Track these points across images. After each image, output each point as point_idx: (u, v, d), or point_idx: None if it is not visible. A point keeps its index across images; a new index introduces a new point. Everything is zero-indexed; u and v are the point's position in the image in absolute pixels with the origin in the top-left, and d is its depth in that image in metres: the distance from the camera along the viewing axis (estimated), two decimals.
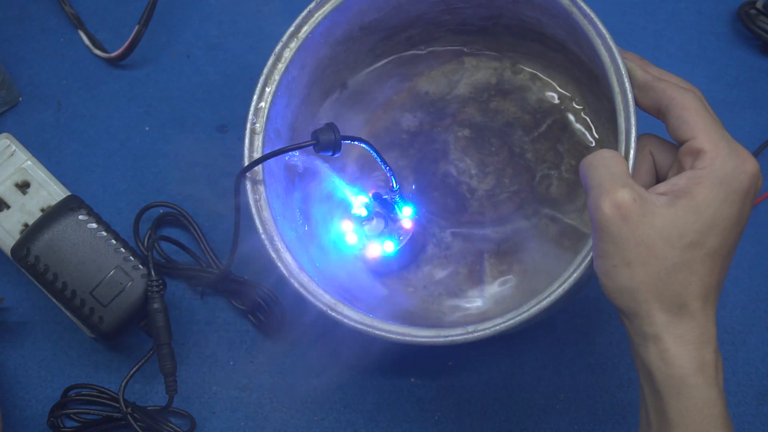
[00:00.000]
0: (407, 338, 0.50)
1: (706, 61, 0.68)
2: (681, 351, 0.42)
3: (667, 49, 0.69)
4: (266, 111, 0.55)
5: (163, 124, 0.68)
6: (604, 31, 0.48)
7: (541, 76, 0.62)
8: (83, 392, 0.60)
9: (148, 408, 0.59)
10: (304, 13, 0.55)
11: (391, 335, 0.50)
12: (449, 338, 0.49)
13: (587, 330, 0.62)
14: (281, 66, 0.55)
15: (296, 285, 0.52)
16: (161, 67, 0.69)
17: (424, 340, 0.49)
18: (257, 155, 0.54)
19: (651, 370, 0.42)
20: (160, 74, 0.69)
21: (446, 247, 0.61)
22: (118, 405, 0.59)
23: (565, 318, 0.62)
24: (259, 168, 0.54)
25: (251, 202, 0.54)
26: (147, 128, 0.68)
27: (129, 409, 0.58)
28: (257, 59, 0.69)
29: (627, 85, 0.47)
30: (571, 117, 0.61)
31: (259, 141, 0.55)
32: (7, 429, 0.60)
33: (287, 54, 0.55)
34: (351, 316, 0.51)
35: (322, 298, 0.52)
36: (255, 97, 0.55)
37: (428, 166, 0.62)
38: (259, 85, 0.55)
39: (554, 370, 0.61)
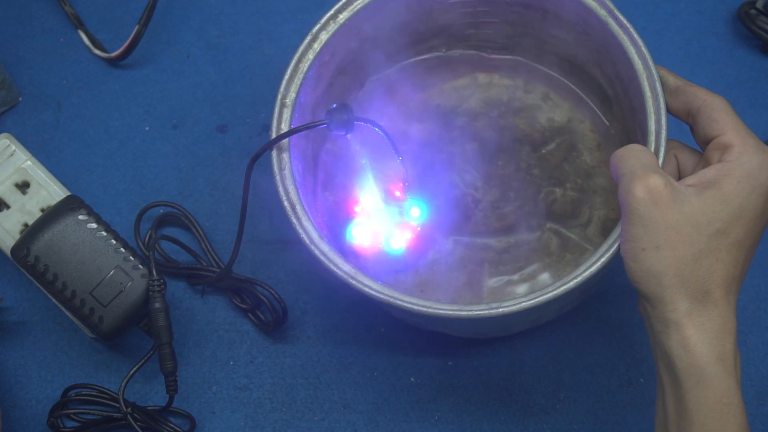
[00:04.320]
0: (429, 310, 0.49)
1: (706, 61, 0.68)
2: (702, 339, 0.43)
3: (667, 49, 0.69)
4: (297, 87, 0.55)
5: (163, 124, 0.68)
6: (638, 39, 0.51)
7: (553, 96, 0.63)
8: (83, 392, 0.60)
9: (148, 408, 0.59)
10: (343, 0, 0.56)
11: (412, 306, 0.49)
12: (473, 313, 0.48)
13: (587, 330, 0.62)
14: (316, 47, 0.55)
15: (317, 252, 0.51)
16: (161, 67, 0.69)
17: (447, 312, 0.49)
18: (285, 128, 0.54)
19: (671, 358, 0.43)
20: (160, 74, 0.69)
21: (447, 253, 0.61)
22: (118, 405, 0.59)
23: (565, 318, 0.62)
24: (285, 140, 0.54)
25: (275, 170, 0.53)
26: (147, 128, 0.68)
27: (129, 409, 0.58)
28: (257, 59, 0.70)
29: (659, 89, 0.50)
30: (580, 137, 0.62)
31: (287, 114, 0.55)
32: (7, 429, 0.60)
33: (323, 36, 0.56)
34: (372, 285, 0.50)
35: (342, 267, 0.51)
36: (289, 71, 0.55)
37: (434, 175, 0.62)
38: (294, 60, 0.55)
39: (554, 370, 0.61)
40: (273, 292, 0.61)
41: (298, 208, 0.53)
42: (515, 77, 0.63)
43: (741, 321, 0.61)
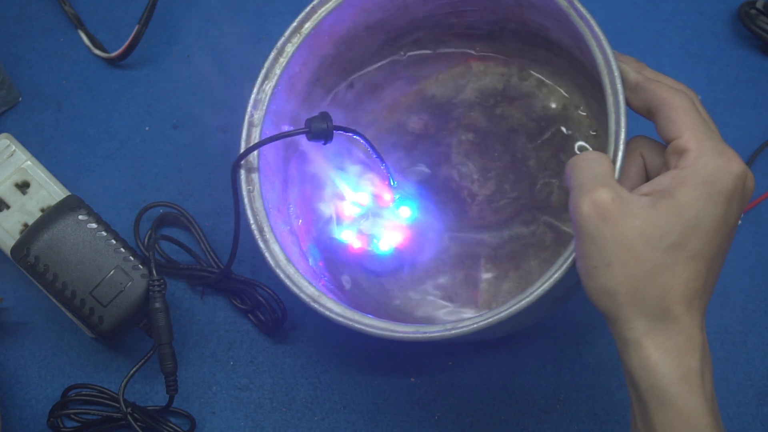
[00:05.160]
0: (386, 333, 0.49)
1: (706, 61, 0.68)
2: (663, 358, 0.40)
3: (667, 49, 0.69)
4: (265, 104, 0.55)
5: (163, 124, 0.68)
6: (599, 32, 0.48)
7: (548, 83, 0.62)
8: (83, 392, 0.60)
9: (148, 408, 0.59)
10: (307, 9, 0.55)
11: (370, 329, 0.50)
12: (427, 335, 0.49)
13: (587, 330, 0.62)
14: (283, 60, 0.55)
15: (281, 275, 0.52)
16: (161, 67, 0.69)
17: (403, 335, 0.49)
18: None
19: (634, 378, 0.41)
20: (160, 74, 0.69)
21: (443, 250, 0.61)
22: (118, 405, 0.59)
23: (565, 318, 0.62)
24: (253, 158, 0.54)
25: (244, 192, 0.54)
26: (147, 128, 0.68)
27: (129, 409, 0.58)
28: (257, 59, 0.69)
29: (619, 86, 0.46)
30: (576, 125, 0.61)
31: (256, 133, 0.55)
32: (7, 429, 0.60)
33: (289, 49, 0.55)
34: (333, 308, 0.51)
35: (306, 290, 0.52)
36: (255, 90, 0.55)
37: (430, 169, 0.62)
38: (260, 78, 0.55)
39: (554, 370, 0.61)
40: (272, 293, 0.61)
41: (266, 229, 0.53)
42: (509, 64, 0.62)
43: (741, 321, 0.62)
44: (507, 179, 0.61)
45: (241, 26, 0.71)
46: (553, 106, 0.61)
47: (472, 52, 0.63)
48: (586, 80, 0.59)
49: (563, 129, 0.61)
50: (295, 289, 0.52)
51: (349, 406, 0.61)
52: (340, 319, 0.51)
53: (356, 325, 0.50)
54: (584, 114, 0.61)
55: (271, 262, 0.53)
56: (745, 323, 0.62)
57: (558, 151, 0.61)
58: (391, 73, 0.63)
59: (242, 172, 0.54)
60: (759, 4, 0.67)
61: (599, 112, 0.60)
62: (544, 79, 0.62)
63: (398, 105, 0.64)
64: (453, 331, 0.48)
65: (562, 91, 0.61)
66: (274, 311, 0.60)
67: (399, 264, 0.61)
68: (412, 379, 0.61)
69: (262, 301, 0.61)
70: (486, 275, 0.60)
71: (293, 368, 0.62)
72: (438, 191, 0.61)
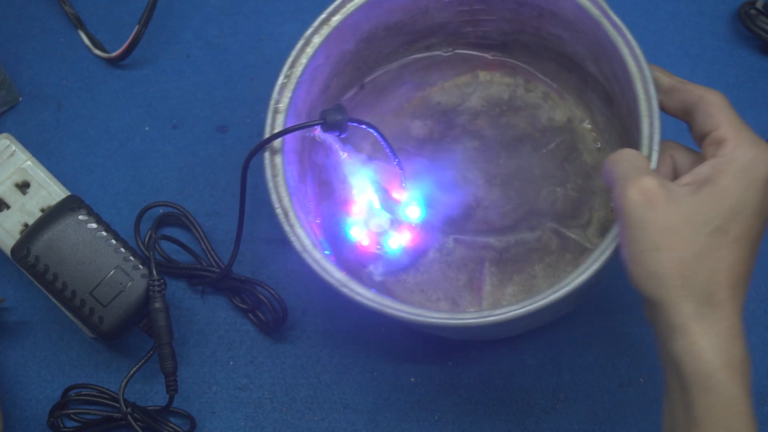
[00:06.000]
0: (420, 318, 0.49)
1: (706, 61, 0.68)
2: (709, 344, 0.42)
3: (667, 49, 0.69)
4: (290, 92, 0.55)
5: (163, 124, 0.68)
6: (632, 40, 0.50)
7: (554, 95, 0.62)
8: (83, 392, 0.60)
9: (148, 408, 0.59)
10: (337, 2, 0.56)
11: (403, 314, 0.49)
12: (463, 321, 0.48)
13: (587, 330, 0.62)
14: (309, 50, 0.55)
15: (309, 260, 0.51)
16: (161, 67, 0.69)
17: (437, 320, 0.48)
18: None
19: (679, 364, 0.42)
20: (160, 74, 0.69)
21: (448, 252, 0.61)
22: (118, 405, 0.59)
23: (565, 318, 0.62)
24: (278, 143, 0.54)
25: (268, 176, 0.53)
26: (147, 128, 0.68)
27: (129, 409, 0.58)
28: (257, 59, 0.70)
29: (652, 91, 0.49)
30: (580, 138, 0.61)
31: (281, 119, 0.55)
32: (7, 429, 0.60)
33: (317, 39, 0.55)
34: (363, 293, 0.50)
35: (334, 274, 0.51)
36: (281, 76, 0.55)
37: (436, 173, 0.62)
38: (286, 66, 0.55)
39: (554, 370, 0.61)
40: (273, 293, 0.61)
41: (291, 214, 0.53)
42: (516, 75, 0.63)
43: None
44: (512, 186, 0.61)
45: (241, 26, 0.71)
46: (558, 118, 0.62)
47: (481, 61, 0.63)
48: (594, 95, 0.60)
49: (567, 140, 0.61)
50: (324, 274, 0.51)
51: (349, 406, 0.61)
52: (371, 304, 0.49)
53: (388, 310, 0.49)
54: (589, 127, 0.61)
55: (298, 247, 0.52)
56: (745, 323, 0.62)
57: (562, 161, 0.61)
58: (398, 78, 0.63)
59: (267, 155, 0.53)
60: (759, 4, 0.67)
61: (604, 125, 0.60)
62: (551, 91, 0.62)
63: (403, 110, 0.64)
64: (489, 319, 0.47)
65: (568, 104, 0.62)
66: (275, 310, 0.61)
67: (403, 265, 0.60)
68: (412, 379, 0.61)
69: (263, 300, 0.61)
70: (490, 278, 0.60)
71: (293, 368, 0.62)
72: (443, 196, 0.61)
